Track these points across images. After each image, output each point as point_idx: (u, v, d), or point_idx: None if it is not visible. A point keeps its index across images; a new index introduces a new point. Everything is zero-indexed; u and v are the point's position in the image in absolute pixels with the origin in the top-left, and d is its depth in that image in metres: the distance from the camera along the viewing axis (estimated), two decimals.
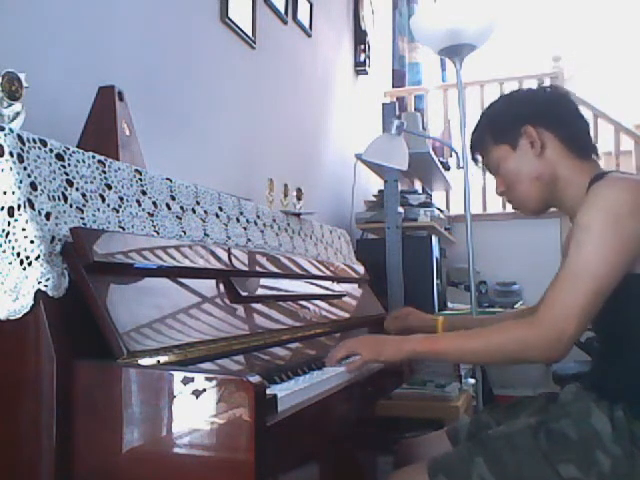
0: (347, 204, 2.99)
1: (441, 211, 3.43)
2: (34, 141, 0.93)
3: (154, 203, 1.17)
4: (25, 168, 0.90)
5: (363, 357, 1.19)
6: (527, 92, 1.35)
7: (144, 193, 1.15)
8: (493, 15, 2.40)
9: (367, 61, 3.91)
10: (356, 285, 1.95)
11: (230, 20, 2.24)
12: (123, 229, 1.06)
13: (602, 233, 1.08)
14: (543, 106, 1.29)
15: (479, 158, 1.38)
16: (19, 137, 0.91)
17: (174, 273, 1.07)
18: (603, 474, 1.06)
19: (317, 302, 1.55)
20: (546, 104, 1.30)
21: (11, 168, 0.87)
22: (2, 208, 0.87)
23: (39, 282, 0.84)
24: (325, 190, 3.15)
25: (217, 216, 1.37)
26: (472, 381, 2.57)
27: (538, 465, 1.09)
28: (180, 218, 1.23)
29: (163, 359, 0.90)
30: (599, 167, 1.27)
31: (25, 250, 0.86)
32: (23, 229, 0.86)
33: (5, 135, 0.89)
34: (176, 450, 0.78)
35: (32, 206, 0.88)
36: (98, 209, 1.02)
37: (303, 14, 2.97)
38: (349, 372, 1.17)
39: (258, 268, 1.37)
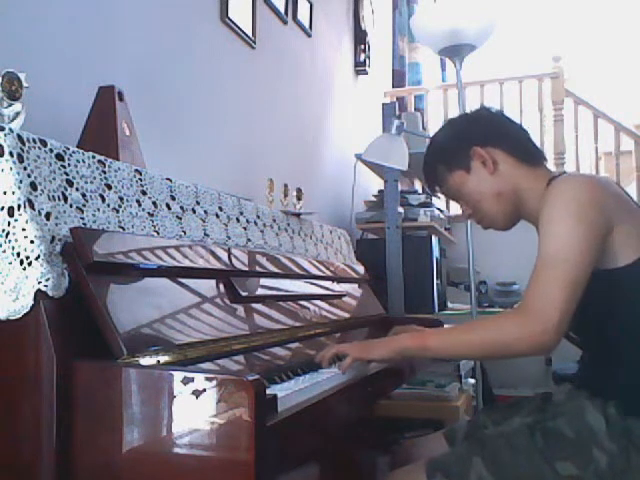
0: (347, 204, 2.99)
1: (441, 211, 3.42)
2: (34, 141, 0.93)
3: (154, 203, 1.17)
4: (25, 168, 0.90)
5: (351, 356, 1.18)
6: (464, 117, 1.42)
7: (144, 193, 1.15)
8: (493, 15, 2.40)
9: (367, 61, 3.91)
10: (356, 285, 1.95)
11: (230, 20, 2.24)
12: (123, 229, 1.06)
13: (567, 222, 1.11)
14: (483, 125, 1.34)
15: (437, 189, 1.40)
16: (19, 137, 0.91)
17: (174, 273, 1.07)
18: (600, 470, 1.07)
19: (317, 302, 1.55)
20: (485, 123, 1.34)
21: (11, 168, 0.88)
22: (2, 208, 0.87)
23: (39, 282, 0.84)
24: (325, 190, 3.15)
25: (217, 216, 1.38)
26: (472, 381, 2.57)
27: (536, 463, 1.10)
28: (180, 218, 1.23)
29: (163, 359, 0.90)
30: (551, 171, 1.30)
31: (25, 250, 0.86)
32: (23, 229, 0.86)
33: (5, 135, 0.89)
34: (176, 450, 0.78)
35: (32, 206, 0.88)
36: (98, 209, 1.02)
37: (303, 14, 2.97)
38: (342, 372, 1.17)
39: (258, 268, 1.37)
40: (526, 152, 1.30)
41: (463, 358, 2.24)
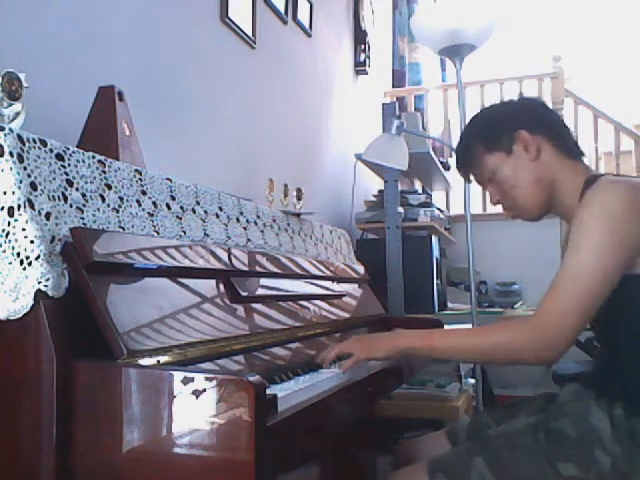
0: (347, 204, 2.99)
1: (441, 211, 3.43)
2: (34, 141, 0.93)
3: (154, 203, 1.17)
4: (25, 168, 0.90)
5: (356, 356, 1.18)
6: (509, 102, 1.37)
7: (144, 193, 1.15)
8: (493, 15, 2.41)
9: (367, 61, 3.91)
10: (356, 285, 1.95)
11: (230, 20, 2.24)
12: (123, 229, 1.06)
13: (598, 237, 1.09)
14: (531, 111, 1.31)
15: (468, 171, 1.36)
16: (19, 137, 0.91)
17: (174, 273, 1.07)
18: (603, 472, 1.06)
19: (317, 302, 1.55)
20: (533, 109, 1.32)
21: (11, 168, 0.87)
22: (2, 208, 0.87)
23: (39, 282, 0.84)
24: (325, 190, 3.15)
25: (217, 216, 1.37)
26: (472, 381, 2.57)
27: (538, 464, 1.10)
28: (180, 218, 1.23)
29: (163, 359, 0.90)
30: (590, 169, 1.29)
31: (25, 250, 0.86)
32: (23, 229, 0.86)
33: (5, 135, 0.89)
34: (176, 450, 0.78)
35: (32, 206, 0.88)
36: (98, 209, 1.02)
37: (303, 14, 2.97)
38: (343, 372, 1.17)
39: (258, 268, 1.37)
40: (568, 145, 1.28)
41: (467, 361, 2.24)
